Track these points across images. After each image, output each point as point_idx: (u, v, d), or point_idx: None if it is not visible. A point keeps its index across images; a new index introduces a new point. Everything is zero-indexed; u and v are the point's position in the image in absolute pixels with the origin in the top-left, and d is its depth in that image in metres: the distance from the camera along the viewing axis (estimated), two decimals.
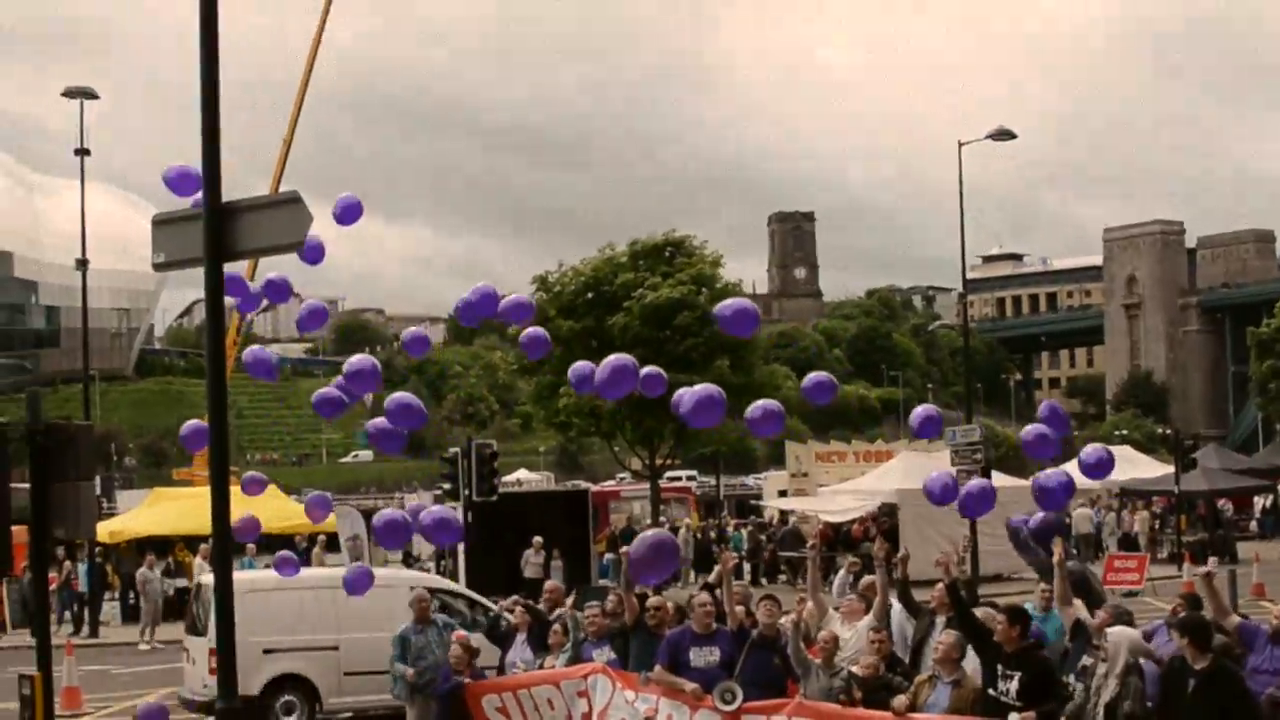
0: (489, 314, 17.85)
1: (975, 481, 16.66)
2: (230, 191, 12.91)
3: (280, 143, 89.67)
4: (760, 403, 16.48)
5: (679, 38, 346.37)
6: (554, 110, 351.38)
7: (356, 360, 17.09)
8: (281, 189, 57.54)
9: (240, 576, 23.29)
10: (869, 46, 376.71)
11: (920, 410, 16.28)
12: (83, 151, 46.58)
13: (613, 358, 16.60)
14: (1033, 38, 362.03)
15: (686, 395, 16.17)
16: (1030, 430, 15.95)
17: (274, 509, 41.83)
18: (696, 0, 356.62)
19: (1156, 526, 60.74)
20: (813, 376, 16.49)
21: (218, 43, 13.00)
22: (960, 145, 51.82)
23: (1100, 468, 16.20)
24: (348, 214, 16.55)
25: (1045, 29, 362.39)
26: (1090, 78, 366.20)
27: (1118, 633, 14.13)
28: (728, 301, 17.04)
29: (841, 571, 26.01)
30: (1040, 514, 16.44)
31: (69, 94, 44.72)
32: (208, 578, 21.90)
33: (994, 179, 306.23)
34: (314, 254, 16.32)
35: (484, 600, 25.08)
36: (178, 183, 15.25)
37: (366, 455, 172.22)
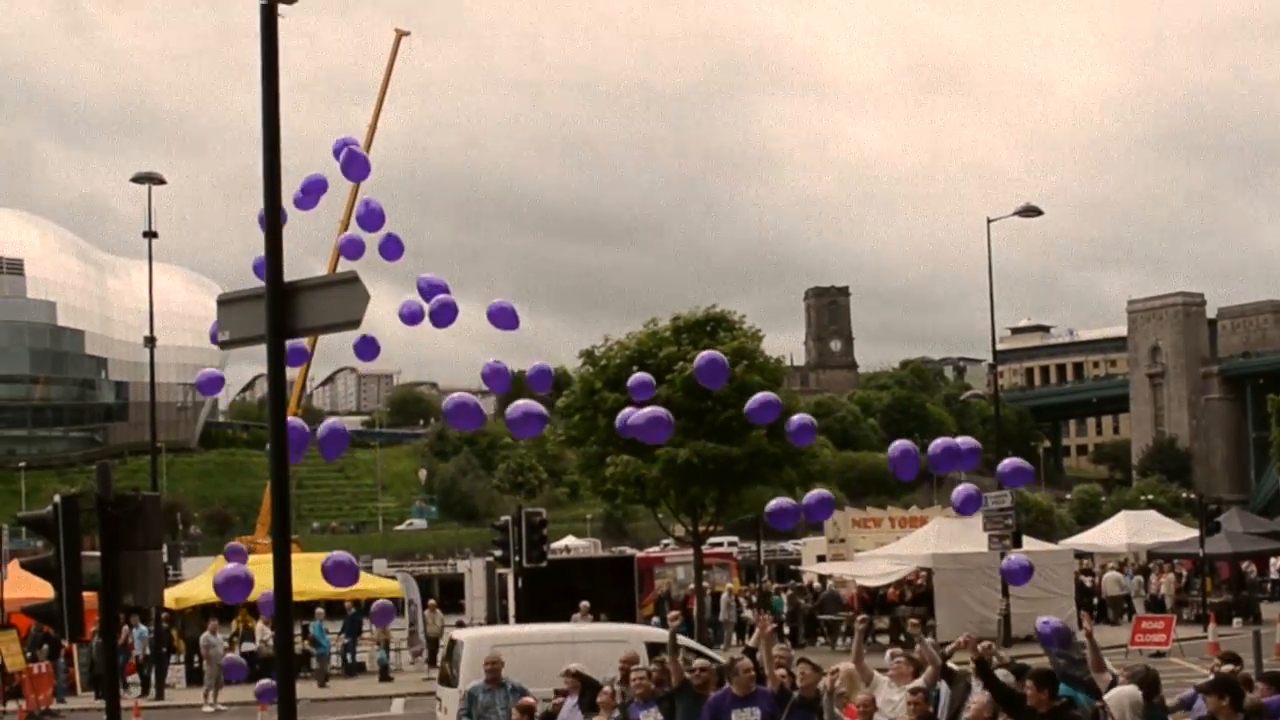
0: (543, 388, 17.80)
1: (1015, 558, 16.87)
2: (290, 272, 12.97)
3: (337, 224, 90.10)
4: (815, 491, 16.47)
5: (719, 124, 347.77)
6: (601, 194, 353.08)
7: (520, 405, 16.88)
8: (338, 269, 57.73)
9: (483, 633, 23.36)
10: (899, 128, 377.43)
11: (961, 490, 16.30)
12: (151, 234, 46.94)
13: (650, 410, 16.49)
14: (1058, 118, 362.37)
15: (634, 414, 16.19)
16: (959, 492, 16.31)
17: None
18: (736, 87, 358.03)
19: (1182, 589, 60.24)
20: (898, 446, 16.40)
21: (279, 132, 13.07)
22: (989, 222, 51.87)
23: (970, 502, 16.54)
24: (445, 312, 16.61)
25: (1071, 110, 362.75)
26: (1113, 156, 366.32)
27: (1115, 694, 14.04)
28: (793, 419, 17.02)
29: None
30: (1053, 623, 16.52)
31: (138, 179, 45.10)
32: (460, 633, 22.29)
33: (1022, 254, 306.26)
34: (369, 350, 16.54)
35: (713, 654, 25.02)
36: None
37: (421, 523, 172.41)
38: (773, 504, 16.04)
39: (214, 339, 13.69)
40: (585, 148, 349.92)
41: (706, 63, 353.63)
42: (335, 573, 15.32)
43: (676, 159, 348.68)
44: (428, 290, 16.78)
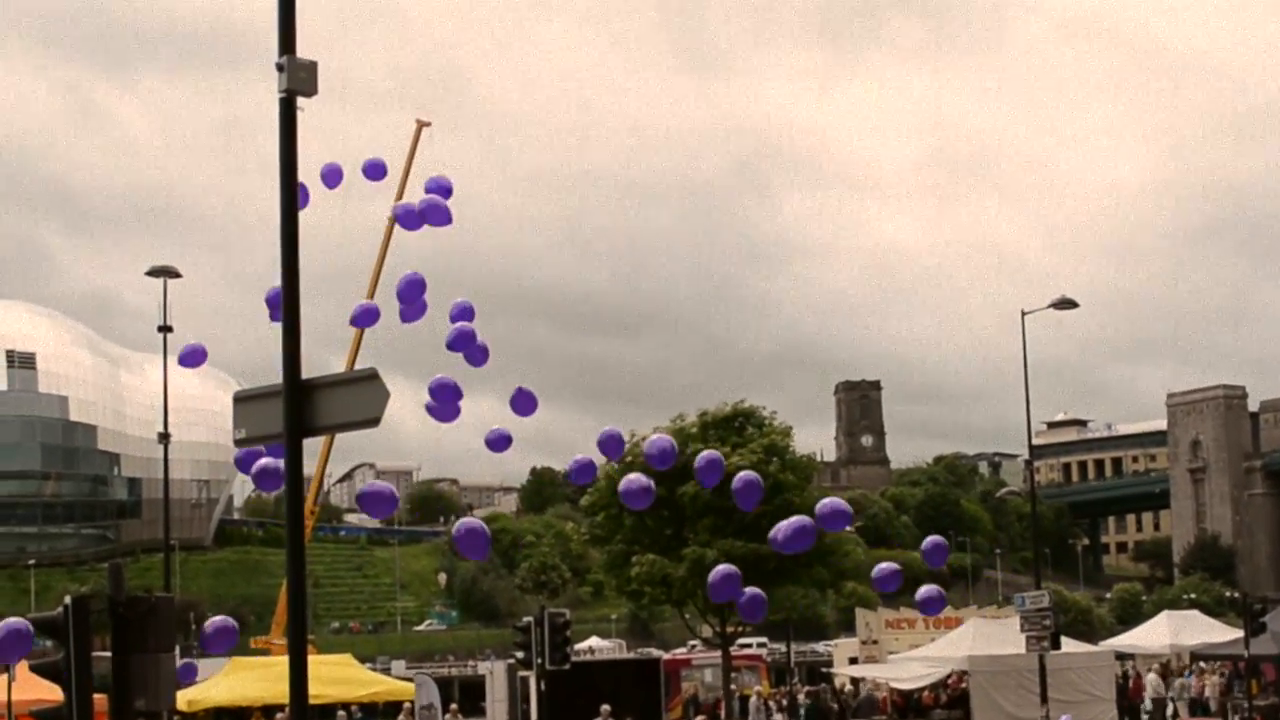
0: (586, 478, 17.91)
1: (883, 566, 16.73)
2: (308, 368, 13.03)
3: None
4: (886, 564, 16.45)
5: (745, 215, 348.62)
6: (625, 286, 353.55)
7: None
8: (357, 365, 57.93)
9: None
10: (929, 220, 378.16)
11: (924, 590, 16.21)
12: (165, 329, 47.14)
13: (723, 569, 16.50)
14: (1090, 209, 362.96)
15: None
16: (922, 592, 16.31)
17: (349, 677, 41.73)
18: (762, 179, 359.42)
19: (1227, 691, 59.74)
20: (883, 567, 16.38)
21: (297, 224, 13.16)
22: (1024, 315, 51.84)
23: (932, 604, 16.46)
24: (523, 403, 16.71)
25: (1103, 200, 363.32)
26: (1147, 247, 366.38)
27: None
28: (824, 501, 17.00)
29: None
30: None
31: (153, 273, 45.37)
32: None
33: (1057, 347, 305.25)
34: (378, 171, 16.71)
35: None
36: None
37: (440, 624, 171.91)
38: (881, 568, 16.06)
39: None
40: (607, 239, 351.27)
41: (732, 154, 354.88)
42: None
43: (702, 251, 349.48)
44: (438, 391, 16.84)
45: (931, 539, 15.98)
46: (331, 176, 16.53)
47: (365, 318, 17.40)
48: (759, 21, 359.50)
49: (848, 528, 16.78)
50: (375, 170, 16.74)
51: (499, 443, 17.03)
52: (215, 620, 17.98)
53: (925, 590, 16.19)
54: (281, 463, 13.22)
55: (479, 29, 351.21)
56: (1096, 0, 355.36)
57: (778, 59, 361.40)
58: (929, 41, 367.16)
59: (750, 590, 16.12)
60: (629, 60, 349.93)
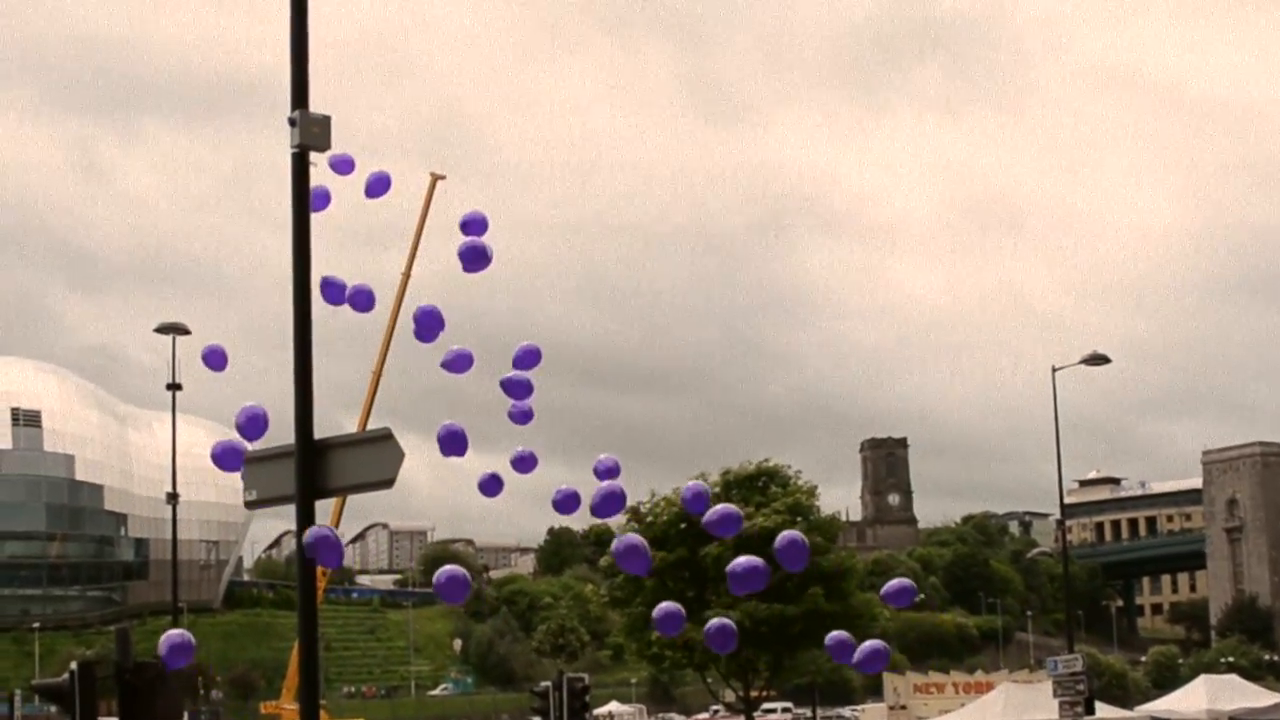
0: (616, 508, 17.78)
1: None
2: (319, 427, 13.03)
3: (369, 375, 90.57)
4: (869, 643, 16.24)
5: (768, 268, 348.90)
6: (645, 341, 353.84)
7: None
8: (370, 424, 58.01)
9: None
10: (955, 273, 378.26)
11: (867, 645, 16.04)
12: (174, 386, 47.29)
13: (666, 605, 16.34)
14: (1120, 261, 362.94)
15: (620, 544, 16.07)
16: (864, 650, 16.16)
17: None
18: (785, 230, 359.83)
19: None
20: (894, 583, 16.27)
21: (310, 280, 13.19)
22: (1054, 371, 51.83)
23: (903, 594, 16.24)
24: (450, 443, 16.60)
25: (1133, 252, 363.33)
26: (1179, 300, 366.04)
27: None
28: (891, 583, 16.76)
29: None
30: None
31: (162, 330, 45.52)
32: None
33: (1089, 403, 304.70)
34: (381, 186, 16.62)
35: None
36: (248, 427, 15.19)
37: (456, 689, 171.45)
38: (831, 637, 15.83)
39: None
40: (627, 292, 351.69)
41: (751, 205, 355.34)
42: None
43: (724, 305, 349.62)
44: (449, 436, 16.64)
45: (895, 582, 15.91)
46: (342, 166, 16.56)
47: (459, 364, 17.42)
48: (779, 70, 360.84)
49: (916, 598, 16.50)
50: (379, 185, 16.72)
51: (490, 484, 16.97)
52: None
53: (895, 583, 16.10)
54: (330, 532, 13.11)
55: (491, 79, 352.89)
56: (1121, 48, 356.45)
57: (798, 108, 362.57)
58: (952, 91, 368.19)
59: (718, 621, 16.02)
60: (645, 109, 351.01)
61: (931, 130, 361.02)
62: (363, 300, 16.49)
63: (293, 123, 13.07)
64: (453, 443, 16.59)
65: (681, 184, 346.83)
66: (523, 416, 17.36)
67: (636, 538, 16.28)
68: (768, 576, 15.31)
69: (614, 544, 16.46)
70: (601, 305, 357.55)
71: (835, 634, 15.86)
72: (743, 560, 15.96)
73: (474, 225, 16.79)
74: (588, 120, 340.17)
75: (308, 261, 13.23)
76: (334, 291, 15.54)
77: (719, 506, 16.70)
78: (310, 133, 12.95)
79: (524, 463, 17.09)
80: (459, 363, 17.39)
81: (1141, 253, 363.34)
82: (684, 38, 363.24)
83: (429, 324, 16.90)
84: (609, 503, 16.38)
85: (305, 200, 13.03)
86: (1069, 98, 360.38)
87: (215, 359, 17.78)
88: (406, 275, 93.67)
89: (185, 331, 45.81)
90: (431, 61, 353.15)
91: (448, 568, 15.27)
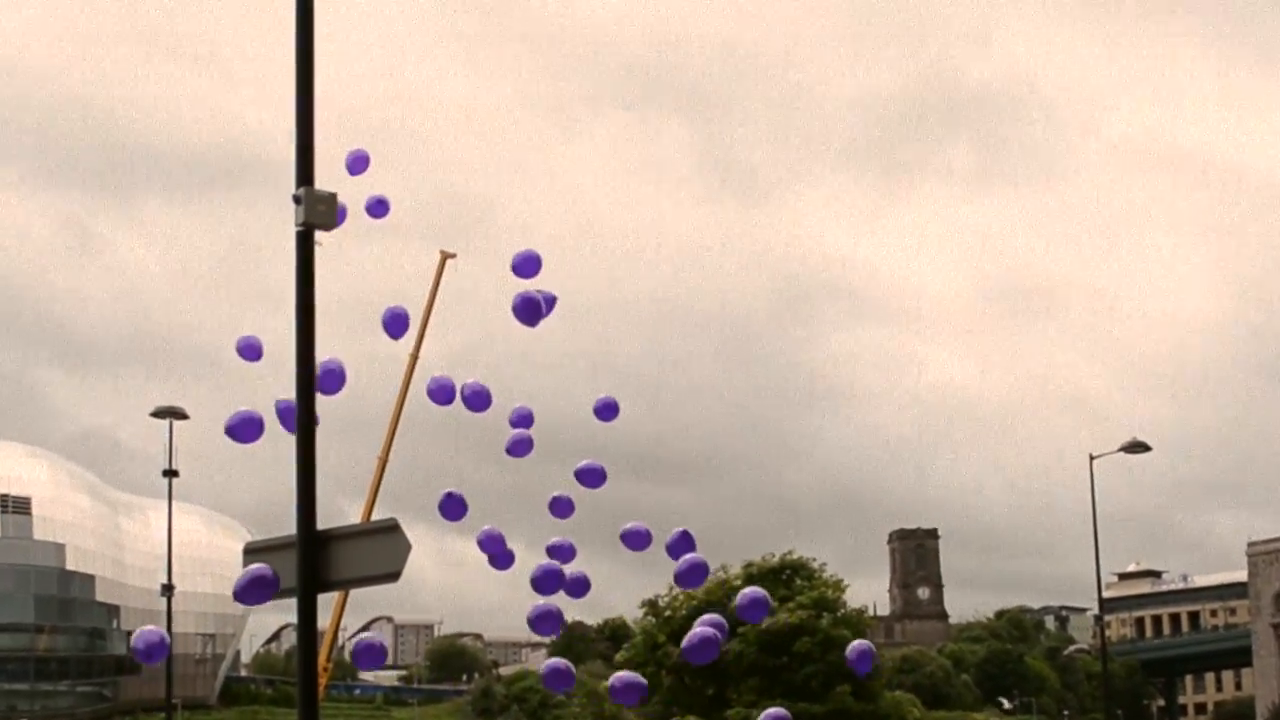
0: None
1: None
2: (322, 516, 12.99)
3: (375, 462, 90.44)
4: (859, 643, 16.15)
5: (789, 352, 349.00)
6: (661, 427, 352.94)
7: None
8: (375, 514, 58.00)
9: None
10: (985, 357, 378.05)
11: (856, 645, 15.95)
12: (171, 473, 47.31)
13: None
14: (1158, 345, 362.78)
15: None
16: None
17: None
18: (806, 313, 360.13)
19: None
20: (855, 645, 16.23)
21: (314, 363, 13.19)
22: (1092, 459, 51.76)
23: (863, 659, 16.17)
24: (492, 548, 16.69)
25: (1171, 336, 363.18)
26: (1219, 387, 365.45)
27: None
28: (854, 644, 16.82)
29: None
30: None
31: (158, 414, 45.58)
32: None
33: (1128, 493, 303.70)
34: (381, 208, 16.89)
35: None
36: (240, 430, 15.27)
37: None
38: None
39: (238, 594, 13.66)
40: (641, 376, 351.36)
41: (775, 287, 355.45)
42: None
43: (743, 390, 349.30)
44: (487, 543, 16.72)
45: (856, 644, 15.85)
46: (358, 164, 16.62)
47: (520, 447, 17.50)
48: (800, 146, 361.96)
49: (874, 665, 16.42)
50: (396, 324, 16.80)
51: (490, 543, 16.99)
52: None
53: (857, 645, 16.04)
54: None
55: (500, 154, 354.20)
56: (1157, 125, 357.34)
57: (820, 185, 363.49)
58: (982, 169, 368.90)
59: (774, 711, 15.99)
60: (660, 186, 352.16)
61: (960, 208, 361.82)
62: (332, 381, 16.48)
63: (298, 200, 13.09)
64: (452, 507, 16.61)
65: (699, 264, 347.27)
66: (565, 508, 17.56)
67: (634, 676, 16.30)
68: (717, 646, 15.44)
69: (611, 680, 16.47)
70: (614, 390, 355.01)
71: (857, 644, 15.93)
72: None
73: (526, 265, 16.99)
74: (601, 198, 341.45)
75: (311, 343, 13.23)
76: (251, 352, 15.50)
77: (748, 590, 16.67)
78: (316, 211, 12.97)
79: (562, 552, 17.15)
80: (520, 447, 17.48)
81: (1180, 335, 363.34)
82: (701, 112, 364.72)
83: (478, 403, 17.03)
84: (546, 622, 16.57)
85: (310, 280, 13.04)
86: (1103, 173, 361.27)
87: (250, 351, 17.66)
88: (415, 356, 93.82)
89: (182, 416, 45.85)
90: (438, 137, 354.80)
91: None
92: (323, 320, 13.45)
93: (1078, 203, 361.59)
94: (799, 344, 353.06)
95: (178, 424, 46.03)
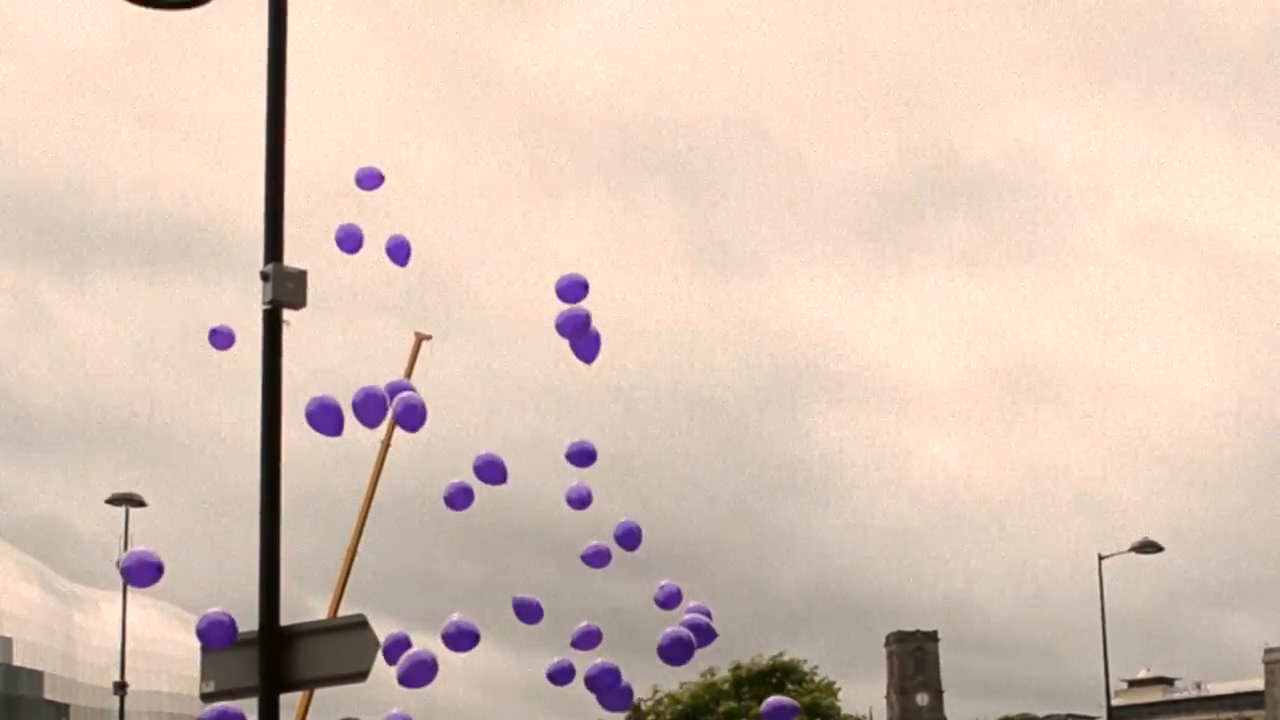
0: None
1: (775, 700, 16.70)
2: (286, 611, 12.97)
3: (342, 554, 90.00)
4: (777, 699, 16.14)
5: (775, 439, 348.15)
6: (641, 519, 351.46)
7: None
8: (342, 610, 57.88)
9: None
10: (985, 446, 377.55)
11: (772, 701, 15.98)
12: None
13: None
14: (1169, 436, 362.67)
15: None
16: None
17: None
18: (793, 397, 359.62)
19: None
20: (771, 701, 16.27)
21: (279, 449, 13.20)
22: (1100, 559, 51.74)
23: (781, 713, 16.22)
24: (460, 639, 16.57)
25: (1183, 426, 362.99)
26: (1235, 482, 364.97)
27: None
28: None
29: None
30: None
31: (114, 501, 45.48)
32: None
33: (1139, 594, 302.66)
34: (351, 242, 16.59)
35: None
36: (209, 633, 14.99)
37: None
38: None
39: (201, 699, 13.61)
40: (619, 462, 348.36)
41: (762, 370, 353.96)
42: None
43: (727, 479, 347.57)
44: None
45: (772, 700, 15.90)
46: (368, 180, 16.67)
47: (598, 559, 17.56)
48: (789, 223, 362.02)
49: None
50: (370, 407, 16.70)
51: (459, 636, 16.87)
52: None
53: (773, 701, 16.05)
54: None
55: (483, 231, 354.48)
56: (1166, 205, 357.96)
57: (810, 264, 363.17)
58: (981, 247, 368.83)
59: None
60: (642, 262, 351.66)
61: (957, 289, 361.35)
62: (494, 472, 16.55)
63: (265, 277, 13.13)
64: (461, 639, 16.54)
65: (682, 345, 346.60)
66: (531, 612, 17.50)
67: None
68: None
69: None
70: (592, 478, 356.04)
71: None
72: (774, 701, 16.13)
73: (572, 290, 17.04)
74: (586, 272, 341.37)
75: (278, 427, 13.25)
76: (222, 339, 15.22)
77: (773, 699, 16.69)
78: (284, 288, 13.02)
79: (589, 638, 17.16)
80: (598, 558, 17.55)
81: (1193, 426, 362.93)
82: (686, 186, 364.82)
83: (492, 473, 17.03)
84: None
85: (277, 362, 13.07)
86: (1110, 254, 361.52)
87: (222, 339, 16.72)
88: (386, 444, 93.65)
89: (139, 503, 45.75)
90: (414, 212, 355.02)
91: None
92: (287, 401, 13.45)
93: (1083, 285, 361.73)
94: (787, 430, 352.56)
95: (134, 511, 45.90)
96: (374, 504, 68.06)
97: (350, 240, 16.98)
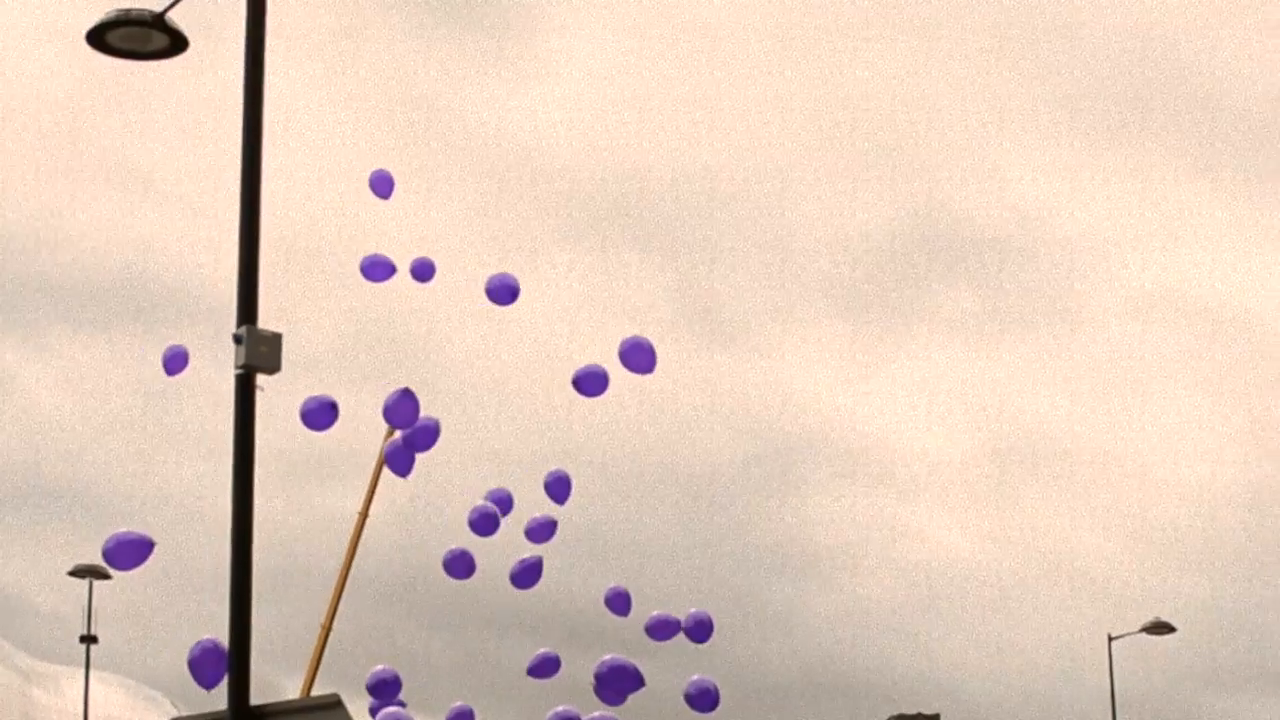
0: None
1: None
2: (257, 690, 12.95)
3: (317, 629, 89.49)
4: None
5: (767, 517, 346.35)
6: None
7: None
8: (316, 688, 57.73)
9: None
10: (985, 524, 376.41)
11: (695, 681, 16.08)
12: (89, 639, 46.96)
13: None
14: (1178, 513, 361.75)
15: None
16: None
17: None
18: (785, 474, 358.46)
19: None
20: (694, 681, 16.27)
21: (252, 521, 13.20)
22: (1110, 640, 51.67)
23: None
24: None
25: (1193, 504, 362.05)
26: (1249, 560, 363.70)
27: None
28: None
29: None
30: None
31: (76, 573, 45.25)
32: None
33: (1149, 677, 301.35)
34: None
35: None
36: (201, 663, 14.90)
37: None
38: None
39: None
40: (599, 538, 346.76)
41: (755, 444, 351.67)
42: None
43: (720, 558, 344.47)
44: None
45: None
46: (381, 184, 16.65)
47: (618, 601, 17.56)
48: (782, 288, 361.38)
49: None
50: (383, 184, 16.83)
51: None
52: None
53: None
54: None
55: (458, 294, 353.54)
56: (1182, 272, 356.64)
57: (805, 332, 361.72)
58: (982, 316, 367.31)
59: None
60: (628, 329, 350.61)
61: (959, 360, 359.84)
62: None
63: (238, 340, 13.11)
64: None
65: (670, 416, 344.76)
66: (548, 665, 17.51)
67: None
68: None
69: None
70: (571, 555, 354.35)
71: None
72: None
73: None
74: (563, 344, 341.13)
75: (250, 496, 13.24)
76: (177, 362, 14.98)
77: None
78: (258, 352, 12.99)
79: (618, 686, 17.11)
80: (618, 601, 17.43)
81: (1207, 504, 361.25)
82: (674, 249, 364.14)
83: (498, 509, 17.01)
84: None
85: (249, 428, 13.06)
86: (1122, 324, 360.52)
87: (176, 362, 16.00)
88: (363, 516, 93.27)
89: (103, 575, 45.46)
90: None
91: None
92: (259, 469, 13.44)
93: (1093, 356, 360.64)
94: (782, 507, 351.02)
95: (98, 584, 45.66)
96: (350, 578, 67.78)
97: (383, 184, 16.91)
